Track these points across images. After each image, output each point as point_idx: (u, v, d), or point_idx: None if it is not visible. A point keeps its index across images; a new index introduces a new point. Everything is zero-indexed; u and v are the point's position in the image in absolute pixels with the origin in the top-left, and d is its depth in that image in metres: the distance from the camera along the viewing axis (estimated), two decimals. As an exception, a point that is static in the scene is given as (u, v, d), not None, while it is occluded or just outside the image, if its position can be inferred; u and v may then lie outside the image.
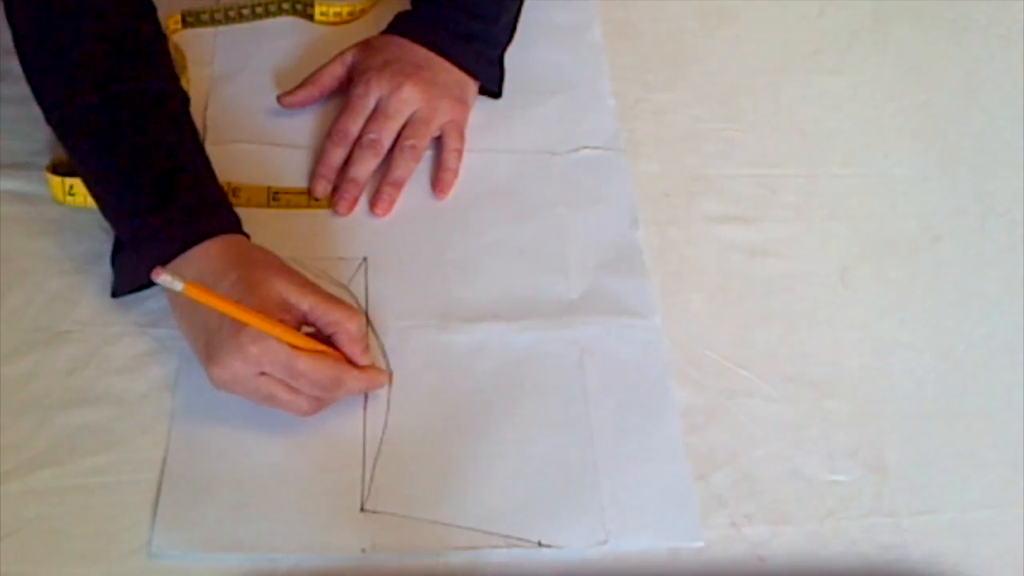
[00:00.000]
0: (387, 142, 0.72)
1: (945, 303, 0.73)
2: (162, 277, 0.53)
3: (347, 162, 0.71)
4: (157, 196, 0.61)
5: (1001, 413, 0.68)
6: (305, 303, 0.59)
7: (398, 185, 0.71)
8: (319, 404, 0.60)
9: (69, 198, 0.67)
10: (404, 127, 0.72)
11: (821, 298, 0.71)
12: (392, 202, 0.71)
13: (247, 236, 0.64)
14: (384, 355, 0.65)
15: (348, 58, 0.75)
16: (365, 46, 0.75)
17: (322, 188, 0.71)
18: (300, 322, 0.59)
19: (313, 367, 0.58)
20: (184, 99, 0.68)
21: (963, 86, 0.85)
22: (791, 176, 0.78)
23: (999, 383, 0.69)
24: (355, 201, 0.71)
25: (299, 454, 0.61)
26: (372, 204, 0.71)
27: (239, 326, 0.56)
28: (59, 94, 0.65)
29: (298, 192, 0.71)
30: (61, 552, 0.57)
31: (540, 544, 0.59)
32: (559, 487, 0.61)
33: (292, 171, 0.73)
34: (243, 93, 0.76)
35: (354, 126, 0.72)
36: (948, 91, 0.85)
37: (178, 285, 0.53)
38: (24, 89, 0.74)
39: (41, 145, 0.71)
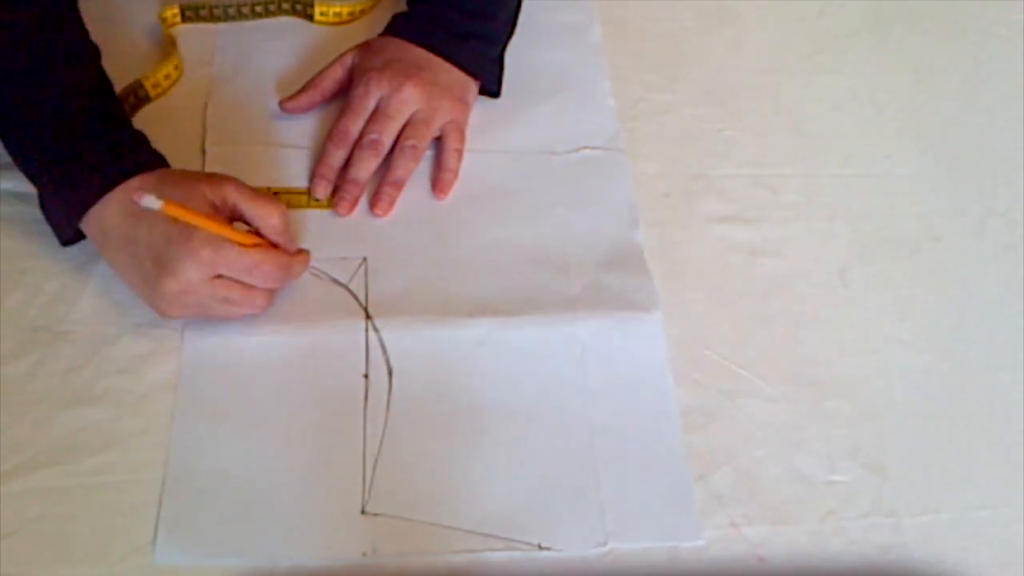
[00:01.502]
0: (388, 142, 0.72)
1: (945, 303, 0.72)
2: (144, 199, 0.56)
3: (347, 163, 0.71)
4: (76, 141, 0.63)
5: (1001, 413, 0.68)
6: (231, 199, 0.62)
7: (398, 185, 0.71)
8: (271, 297, 0.63)
9: None
10: (404, 127, 0.72)
11: (821, 298, 0.71)
12: (392, 202, 0.71)
13: (156, 163, 0.65)
14: (384, 353, 0.65)
15: (348, 60, 0.75)
16: (365, 48, 0.75)
17: (323, 189, 0.71)
18: (230, 221, 0.62)
19: (264, 258, 0.61)
20: (95, 51, 0.68)
21: (963, 86, 0.85)
22: (791, 176, 0.78)
23: (999, 383, 0.69)
24: (356, 201, 0.71)
25: (299, 455, 0.61)
26: (372, 204, 0.71)
27: (189, 234, 0.59)
28: None
29: (298, 192, 0.71)
30: (61, 552, 0.57)
31: (540, 547, 0.59)
32: (559, 489, 0.61)
33: (292, 171, 0.73)
34: (243, 94, 0.76)
35: (354, 127, 0.72)
36: (948, 91, 0.85)
37: (156, 204, 0.56)
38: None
39: (41, 145, 0.71)
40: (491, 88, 0.77)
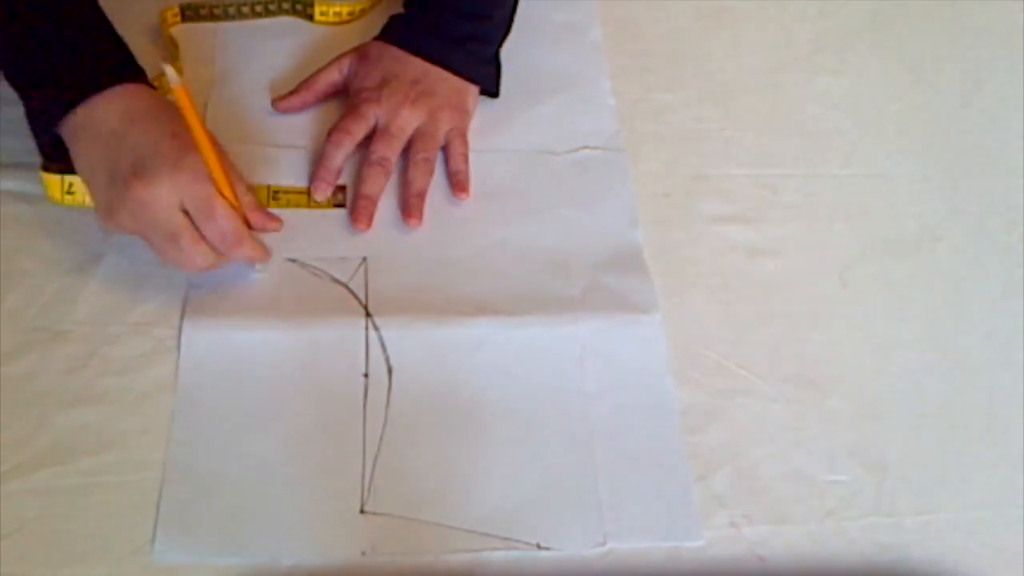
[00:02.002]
0: (395, 159, 0.72)
1: (945, 303, 0.73)
2: (167, 69, 0.56)
3: (359, 180, 0.71)
4: (83, 40, 0.63)
5: (1001, 413, 0.68)
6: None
7: (422, 195, 0.71)
8: (212, 261, 0.62)
9: (68, 197, 0.67)
10: (411, 142, 0.72)
11: (821, 298, 0.71)
12: (422, 211, 0.71)
13: (151, 86, 0.65)
14: (384, 352, 0.65)
15: (344, 66, 0.75)
16: (362, 56, 0.75)
17: (323, 192, 0.71)
18: None
19: (227, 214, 0.61)
20: None
21: (963, 86, 0.85)
22: (791, 176, 0.78)
23: (999, 383, 0.69)
24: (373, 216, 0.70)
25: (299, 455, 0.61)
26: (405, 215, 0.71)
27: (180, 155, 0.59)
28: None
29: (298, 192, 0.71)
30: (61, 552, 0.57)
31: (539, 547, 0.59)
32: (558, 489, 0.61)
33: (292, 171, 0.73)
34: (244, 94, 0.76)
35: (355, 127, 0.72)
36: (948, 91, 0.85)
37: (176, 79, 0.57)
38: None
39: (41, 145, 0.71)
40: (490, 89, 0.77)
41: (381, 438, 0.62)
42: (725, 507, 0.62)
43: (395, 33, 0.75)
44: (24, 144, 0.71)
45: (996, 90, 0.85)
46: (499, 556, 0.59)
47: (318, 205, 0.71)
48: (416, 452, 0.61)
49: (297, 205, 0.71)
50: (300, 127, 0.75)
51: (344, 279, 0.68)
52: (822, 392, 0.67)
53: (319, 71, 0.75)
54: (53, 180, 0.66)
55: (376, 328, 0.65)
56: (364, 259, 0.69)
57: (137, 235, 0.62)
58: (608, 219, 0.73)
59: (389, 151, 0.72)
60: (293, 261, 0.68)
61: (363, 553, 0.58)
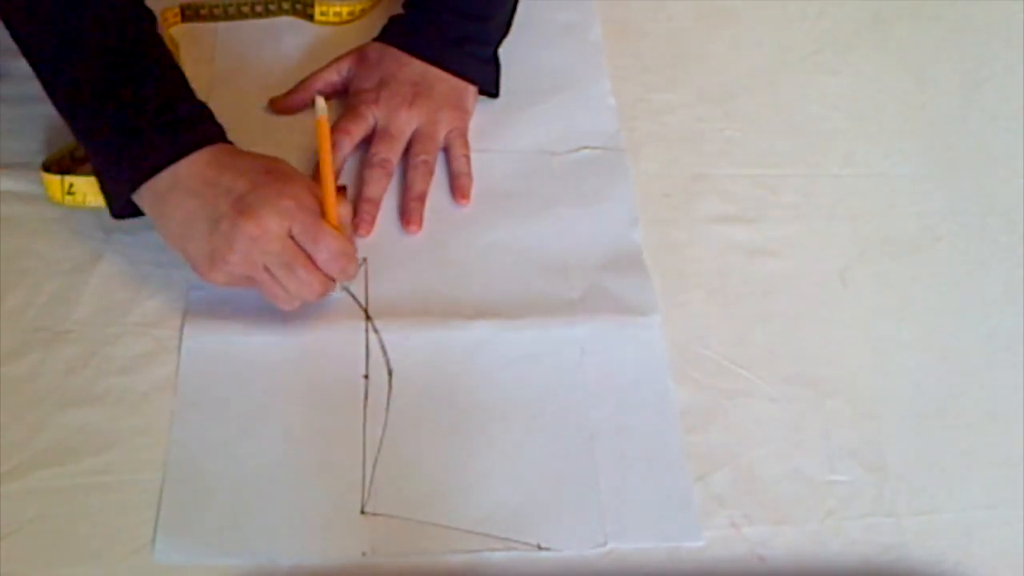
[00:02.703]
0: (396, 160, 0.72)
1: (945, 303, 0.73)
2: (318, 99, 0.62)
3: (361, 183, 0.71)
4: (140, 109, 0.61)
5: (1001, 413, 0.68)
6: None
7: (422, 199, 0.71)
8: (327, 286, 0.62)
9: (68, 197, 0.66)
10: (410, 144, 0.72)
11: (821, 298, 0.71)
12: (422, 216, 0.71)
13: (231, 143, 0.65)
14: (384, 353, 0.65)
15: (344, 67, 0.75)
16: (360, 57, 0.75)
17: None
18: None
19: (334, 235, 0.61)
20: (152, 16, 0.67)
21: (963, 86, 0.85)
22: (791, 176, 0.78)
23: (999, 383, 0.69)
24: (374, 220, 0.70)
25: (299, 455, 0.61)
26: (405, 222, 0.70)
27: (282, 183, 0.60)
28: (31, 8, 0.63)
29: None
30: (61, 552, 0.57)
31: (540, 547, 0.59)
32: (558, 489, 0.61)
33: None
34: (243, 94, 0.76)
35: (354, 128, 0.72)
36: (948, 91, 0.85)
37: (323, 109, 0.62)
38: (24, 89, 0.74)
39: (41, 145, 0.71)
40: (489, 90, 0.77)
41: (381, 439, 0.62)
42: (725, 507, 0.62)
43: (394, 34, 0.75)
44: (24, 144, 0.71)
45: (996, 90, 0.85)
46: (499, 556, 0.59)
47: None
48: (416, 453, 0.61)
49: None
50: (301, 127, 0.75)
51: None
52: (822, 392, 0.67)
53: (317, 72, 0.75)
54: (53, 180, 0.66)
55: (376, 330, 0.65)
56: (364, 260, 0.69)
57: (247, 280, 0.61)
58: (608, 219, 0.73)
59: (390, 153, 0.71)
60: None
61: (363, 554, 0.58)
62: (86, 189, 0.66)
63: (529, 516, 0.60)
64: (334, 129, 0.71)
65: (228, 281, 0.61)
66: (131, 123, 0.61)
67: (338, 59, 0.76)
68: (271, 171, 0.61)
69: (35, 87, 0.74)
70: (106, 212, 0.65)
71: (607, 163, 0.76)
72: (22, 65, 0.75)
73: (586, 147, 0.76)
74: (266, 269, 0.60)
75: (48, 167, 0.68)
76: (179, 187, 0.60)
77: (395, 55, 0.74)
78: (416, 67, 0.74)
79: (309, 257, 0.60)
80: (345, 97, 0.75)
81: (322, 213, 0.61)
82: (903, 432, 0.66)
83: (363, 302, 0.67)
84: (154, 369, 0.63)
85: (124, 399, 0.62)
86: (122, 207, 0.63)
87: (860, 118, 0.82)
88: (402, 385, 0.64)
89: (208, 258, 0.60)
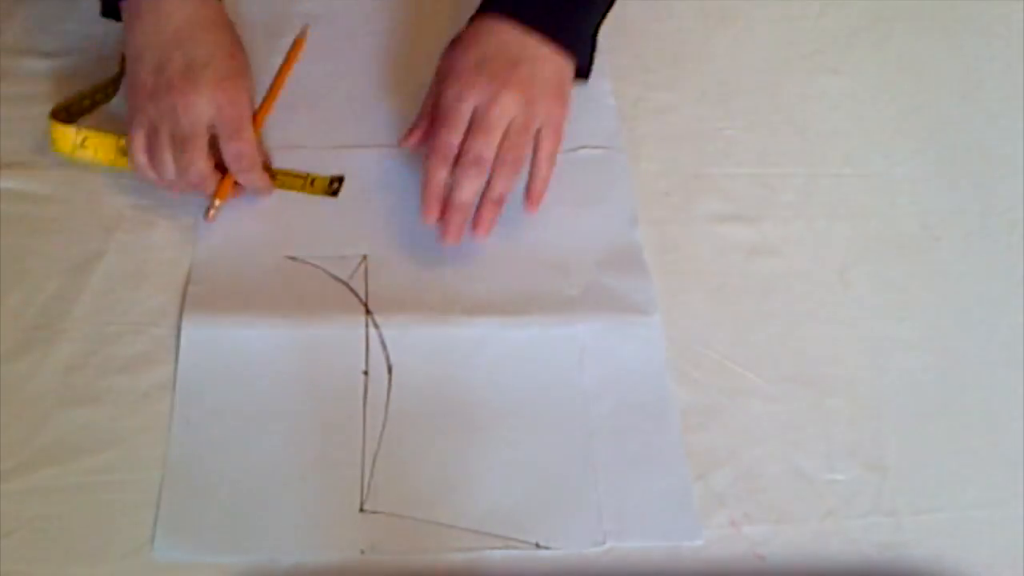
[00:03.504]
0: (492, 156, 0.66)
1: (945, 303, 0.72)
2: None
3: (454, 185, 0.66)
4: None
5: (1001, 413, 0.68)
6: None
7: (500, 203, 0.67)
8: (210, 183, 0.66)
9: (79, 151, 0.66)
10: (503, 138, 0.67)
11: (821, 298, 0.71)
12: (494, 223, 0.67)
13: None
14: (384, 350, 0.65)
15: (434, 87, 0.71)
16: (454, 43, 0.70)
17: (434, 213, 0.67)
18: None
19: (251, 139, 0.66)
20: None
21: (963, 86, 0.85)
22: (791, 176, 0.78)
23: (999, 383, 0.69)
24: (463, 228, 0.67)
25: (299, 453, 0.61)
26: (475, 226, 0.67)
27: (230, 72, 0.65)
28: None
29: (295, 175, 0.72)
30: (61, 552, 0.57)
31: (538, 546, 0.59)
32: (557, 488, 0.61)
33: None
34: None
35: (457, 139, 0.66)
36: (948, 91, 0.85)
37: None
38: (24, 89, 0.74)
39: (41, 145, 0.71)
40: (583, 69, 0.72)
41: (381, 436, 0.62)
42: (725, 506, 0.62)
43: (497, 2, 0.70)
44: (24, 144, 0.71)
45: (996, 90, 0.85)
46: (499, 555, 0.59)
47: (312, 190, 0.72)
48: (416, 451, 0.61)
49: (291, 187, 0.71)
50: (300, 127, 0.75)
51: (344, 277, 0.68)
52: (822, 392, 0.67)
53: (428, 97, 0.71)
54: (65, 131, 0.67)
55: (376, 326, 0.65)
56: (364, 257, 0.69)
57: (144, 124, 0.65)
58: (608, 219, 0.73)
59: (486, 148, 0.66)
60: (293, 259, 0.68)
61: (362, 552, 0.58)
62: (98, 144, 0.66)
63: (528, 515, 0.60)
64: (434, 143, 0.67)
65: (136, 112, 0.65)
66: None
67: (435, 74, 0.71)
68: (234, 55, 0.67)
69: (35, 87, 0.75)
70: (107, 204, 0.66)
71: (607, 162, 0.76)
72: (22, 65, 0.76)
73: (586, 146, 0.76)
74: (169, 135, 0.64)
75: (56, 114, 0.68)
76: (154, 16, 0.66)
77: (494, 28, 0.69)
78: (515, 41, 0.68)
79: (211, 151, 0.65)
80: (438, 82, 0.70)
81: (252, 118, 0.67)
82: (903, 432, 0.66)
83: (363, 297, 0.67)
84: (154, 368, 0.63)
85: (124, 399, 0.62)
86: (110, 5, 0.69)
87: (860, 118, 0.82)
88: (402, 381, 0.64)
89: (138, 87, 0.65)
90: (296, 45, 0.68)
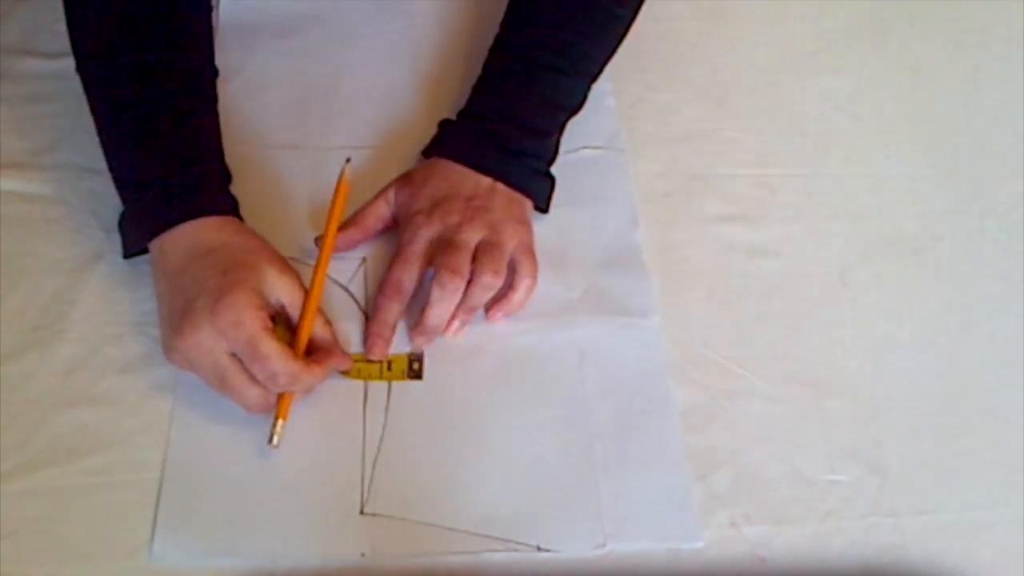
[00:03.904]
0: (467, 270, 0.64)
1: (945, 303, 0.72)
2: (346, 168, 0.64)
3: (425, 301, 0.64)
4: (161, 168, 0.64)
5: (1001, 413, 0.68)
6: (285, 297, 0.61)
7: (472, 311, 0.66)
8: (266, 399, 0.60)
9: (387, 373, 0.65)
10: (475, 257, 0.65)
11: (821, 298, 0.71)
12: (464, 325, 0.66)
13: (241, 219, 0.65)
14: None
15: (391, 196, 0.69)
16: (407, 181, 0.69)
17: (380, 350, 0.64)
18: (275, 312, 0.61)
19: (275, 353, 0.58)
20: (213, 74, 0.71)
21: (963, 86, 0.85)
22: (791, 176, 0.78)
23: (999, 383, 0.69)
24: (434, 337, 0.65)
25: (299, 456, 0.61)
26: (445, 327, 0.65)
27: (223, 293, 0.58)
28: (97, 47, 0.67)
29: (369, 361, 0.65)
30: (61, 552, 0.57)
31: (539, 548, 0.59)
32: (558, 490, 0.61)
33: (291, 172, 0.72)
34: (243, 94, 0.76)
35: (407, 276, 0.65)
36: (948, 91, 0.85)
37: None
38: (24, 89, 0.74)
39: (41, 145, 0.71)
40: (542, 205, 0.71)
41: (381, 439, 0.62)
42: (725, 507, 0.62)
43: (448, 146, 0.70)
44: (24, 144, 0.71)
45: (996, 90, 0.85)
46: (499, 558, 0.58)
47: (391, 375, 0.64)
48: (416, 453, 0.61)
49: (369, 376, 0.64)
50: (300, 127, 0.75)
51: (344, 280, 0.68)
52: (822, 392, 0.67)
53: (366, 206, 0.69)
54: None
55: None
56: (364, 260, 0.69)
57: (196, 375, 0.60)
58: (607, 220, 0.73)
59: (461, 262, 0.64)
60: (292, 260, 0.68)
61: (362, 554, 0.58)
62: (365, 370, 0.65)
63: (528, 517, 0.60)
64: (387, 281, 0.65)
65: (181, 367, 0.61)
66: (137, 181, 0.65)
67: (383, 189, 0.69)
68: (228, 271, 0.60)
69: (35, 87, 0.75)
70: (107, 204, 0.67)
71: (606, 163, 0.76)
72: (22, 65, 0.76)
73: (585, 147, 0.76)
74: (208, 378, 0.60)
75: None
76: (160, 263, 0.63)
77: (446, 170, 0.69)
78: (471, 181, 0.68)
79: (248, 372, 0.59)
80: (398, 228, 0.69)
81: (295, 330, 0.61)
82: (903, 432, 0.66)
83: (362, 303, 0.67)
84: (154, 369, 0.63)
85: (124, 399, 0.62)
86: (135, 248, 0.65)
87: (860, 118, 0.82)
88: (401, 385, 0.64)
89: (164, 343, 0.61)
90: (340, 186, 0.63)
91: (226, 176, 0.67)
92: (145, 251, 0.64)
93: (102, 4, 0.67)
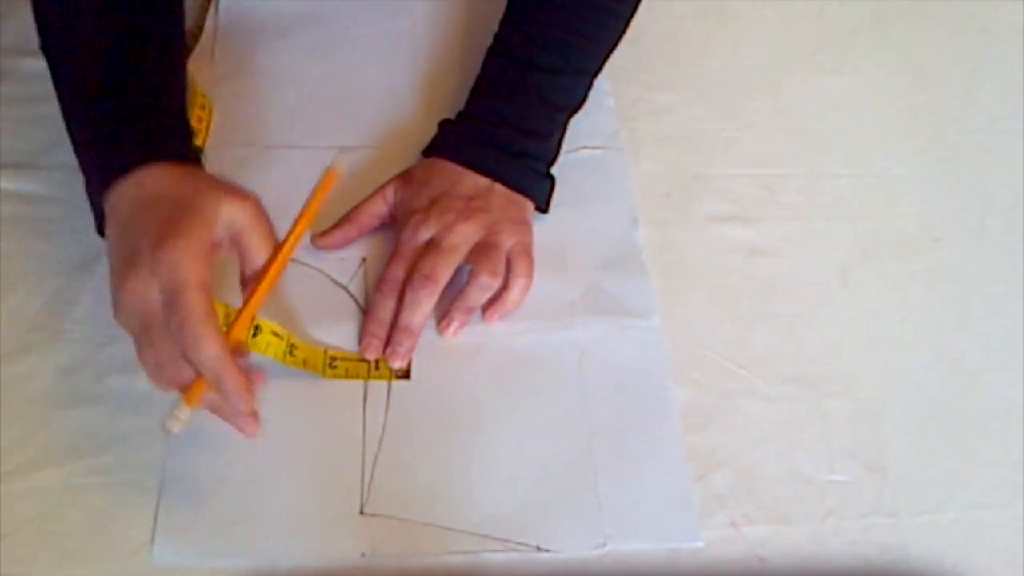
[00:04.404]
0: (444, 276, 0.64)
1: (945, 303, 0.72)
2: (341, 161, 0.61)
3: (399, 307, 0.64)
4: (113, 122, 0.60)
5: (1001, 413, 0.68)
6: (239, 222, 0.55)
7: (470, 312, 0.66)
8: (178, 375, 0.53)
9: (330, 371, 0.63)
10: (473, 258, 0.65)
11: (821, 298, 0.71)
12: (463, 326, 0.65)
13: (202, 167, 0.63)
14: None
15: (389, 194, 0.69)
16: (406, 180, 0.69)
17: (375, 349, 0.64)
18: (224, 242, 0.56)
19: (202, 313, 0.51)
20: (181, 46, 0.68)
21: (963, 86, 0.85)
22: (791, 176, 0.78)
23: (999, 383, 0.69)
24: (410, 354, 0.64)
25: (298, 456, 0.61)
26: (443, 325, 0.65)
27: (163, 238, 0.52)
28: (60, 20, 0.65)
29: (358, 360, 0.64)
30: (61, 552, 0.57)
31: (539, 548, 0.59)
32: (558, 490, 0.61)
33: (293, 173, 0.72)
34: (244, 93, 0.76)
35: (404, 272, 0.65)
36: (948, 91, 0.85)
37: (340, 173, 0.60)
38: (24, 89, 0.74)
39: (41, 145, 0.71)
40: (542, 206, 0.71)
41: (381, 439, 0.62)
42: (725, 507, 0.62)
43: (447, 147, 0.70)
44: (24, 144, 0.71)
45: (996, 90, 0.85)
46: (498, 558, 0.58)
47: (378, 375, 0.64)
48: (416, 453, 0.61)
49: (356, 375, 0.64)
50: (300, 127, 0.75)
51: (343, 280, 0.68)
52: (822, 392, 0.67)
53: (363, 203, 0.69)
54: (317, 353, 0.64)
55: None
56: (364, 259, 0.69)
57: (136, 342, 0.55)
58: (607, 220, 0.73)
59: (436, 267, 0.64)
60: (292, 261, 0.68)
61: (362, 554, 0.58)
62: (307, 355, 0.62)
63: (528, 517, 0.60)
64: (384, 279, 0.65)
65: (124, 329, 0.55)
66: (95, 131, 0.61)
67: (382, 186, 0.70)
68: (173, 218, 0.54)
69: (35, 87, 0.75)
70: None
71: (606, 163, 0.76)
72: (22, 65, 0.76)
73: (585, 147, 0.76)
74: (136, 331, 0.54)
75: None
76: (111, 216, 0.57)
77: (445, 170, 0.69)
78: (469, 181, 0.68)
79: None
80: (395, 225, 0.69)
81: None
82: (903, 432, 0.66)
83: (361, 302, 0.67)
84: (154, 369, 0.63)
85: (124, 399, 0.62)
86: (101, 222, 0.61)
87: (860, 118, 0.82)
88: (401, 385, 0.64)
89: (112, 302, 0.55)
90: (327, 178, 0.59)
91: (185, 129, 0.64)
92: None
93: None
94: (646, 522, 0.60)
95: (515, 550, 0.59)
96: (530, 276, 0.67)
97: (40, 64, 0.76)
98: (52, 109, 0.72)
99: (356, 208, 0.69)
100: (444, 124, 0.72)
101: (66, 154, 0.71)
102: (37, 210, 0.69)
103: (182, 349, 0.52)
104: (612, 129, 0.78)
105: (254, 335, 0.60)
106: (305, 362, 0.62)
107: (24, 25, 0.78)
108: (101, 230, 0.61)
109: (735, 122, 0.80)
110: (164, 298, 0.52)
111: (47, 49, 0.66)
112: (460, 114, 0.72)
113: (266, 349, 0.60)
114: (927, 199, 0.78)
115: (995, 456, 0.66)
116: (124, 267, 0.53)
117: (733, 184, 0.76)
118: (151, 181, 0.57)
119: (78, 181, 0.69)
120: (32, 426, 0.60)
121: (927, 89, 0.85)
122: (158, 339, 0.52)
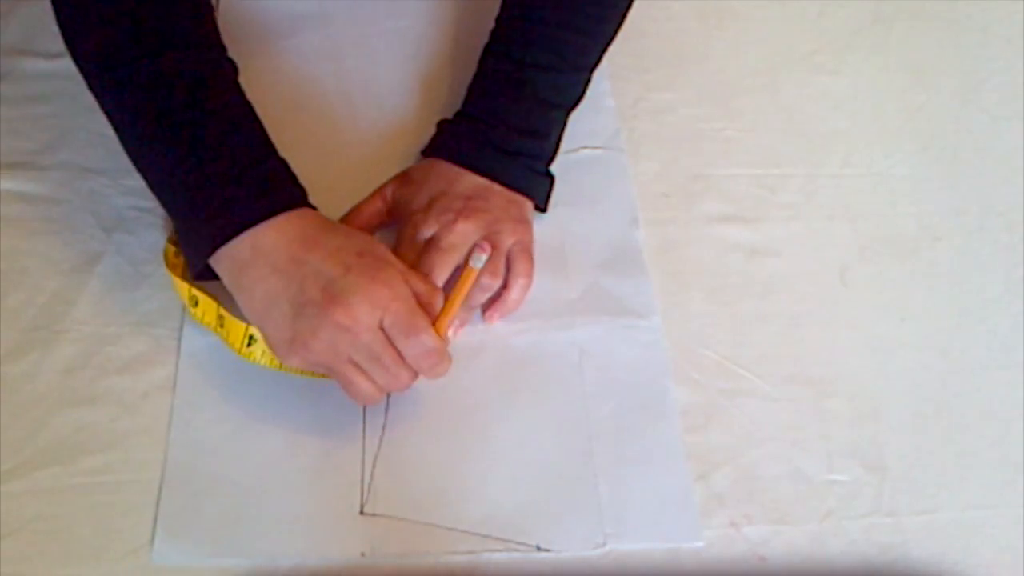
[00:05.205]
0: (443, 276, 0.64)
1: (945, 303, 0.72)
2: (482, 254, 0.62)
3: None
4: (236, 164, 0.59)
5: (1001, 413, 0.68)
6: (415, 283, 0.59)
7: (469, 311, 0.66)
8: (412, 381, 0.59)
9: (246, 349, 0.62)
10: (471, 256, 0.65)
11: (821, 298, 0.71)
12: (463, 324, 0.66)
13: (315, 208, 0.62)
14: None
15: (388, 193, 0.70)
16: (405, 180, 0.70)
17: None
18: None
19: (430, 330, 0.57)
20: (233, 66, 0.66)
21: (963, 86, 0.85)
22: (791, 176, 0.78)
23: (999, 383, 0.69)
24: None
25: (299, 456, 0.61)
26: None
27: (376, 270, 0.56)
28: (105, 57, 0.61)
29: None
30: (61, 552, 0.57)
31: (539, 548, 0.59)
32: (558, 490, 0.61)
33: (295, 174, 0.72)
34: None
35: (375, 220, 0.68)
36: (948, 91, 0.85)
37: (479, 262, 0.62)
38: (24, 89, 0.74)
39: (41, 145, 0.71)
40: (541, 205, 0.71)
41: (381, 439, 0.62)
42: (725, 507, 0.62)
43: (445, 147, 0.70)
44: (24, 144, 0.71)
45: (996, 90, 0.85)
46: (499, 557, 0.59)
47: (299, 370, 0.62)
48: (416, 453, 0.61)
49: (271, 362, 0.62)
50: (300, 127, 0.75)
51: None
52: (822, 392, 0.67)
53: (362, 202, 0.70)
54: (237, 326, 0.61)
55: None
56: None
57: (327, 368, 0.58)
58: (607, 220, 0.73)
59: (437, 267, 0.64)
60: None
61: (362, 554, 0.58)
62: (258, 329, 0.60)
63: (528, 517, 0.60)
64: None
65: (306, 367, 0.58)
66: (209, 179, 0.59)
67: (381, 186, 0.70)
68: (364, 254, 0.57)
69: (35, 87, 0.75)
70: (107, 204, 0.65)
71: (606, 163, 0.76)
72: (22, 65, 0.76)
73: (585, 147, 0.76)
74: (350, 361, 0.57)
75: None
76: (262, 260, 0.57)
77: (443, 171, 0.68)
78: (468, 181, 0.68)
79: (397, 350, 0.57)
80: (396, 225, 0.69)
81: (422, 305, 0.58)
82: (903, 432, 0.66)
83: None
84: (154, 369, 0.63)
85: (124, 399, 0.62)
86: (202, 270, 0.60)
87: (860, 118, 0.82)
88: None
89: (288, 342, 0.57)
90: (467, 274, 0.62)
91: (290, 169, 0.63)
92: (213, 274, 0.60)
93: (99, 2, 0.62)
94: (646, 522, 0.60)
95: (515, 550, 0.59)
96: (530, 276, 0.67)
97: (40, 64, 0.76)
98: (52, 109, 0.73)
99: (355, 208, 0.70)
100: (442, 124, 0.72)
101: (66, 154, 0.71)
102: (37, 210, 0.69)
103: (420, 363, 0.58)
104: (612, 129, 0.78)
105: (248, 345, 0.60)
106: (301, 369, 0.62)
107: (24, 25, 0.78)
108: (201, 275, 0.61)
109: (735, 122, 0.80)
110: (395, 323, 0.56)
111: (93, 76, 0.63)
112: (458, 114, 0.72)
113: (260, 358, 0.61)
114: (927, 199, 0.78)
115: (995, 456, 0.66)
116: (325, 302, 0.55)
117: (733, 184, 0.76)
118: (302, 221, 0.59)
119: (78, 181, 0.70)
120: (32, 426, 0.60)
121: (927, 89, 0.85)
122: (393, 360, 0.57)
